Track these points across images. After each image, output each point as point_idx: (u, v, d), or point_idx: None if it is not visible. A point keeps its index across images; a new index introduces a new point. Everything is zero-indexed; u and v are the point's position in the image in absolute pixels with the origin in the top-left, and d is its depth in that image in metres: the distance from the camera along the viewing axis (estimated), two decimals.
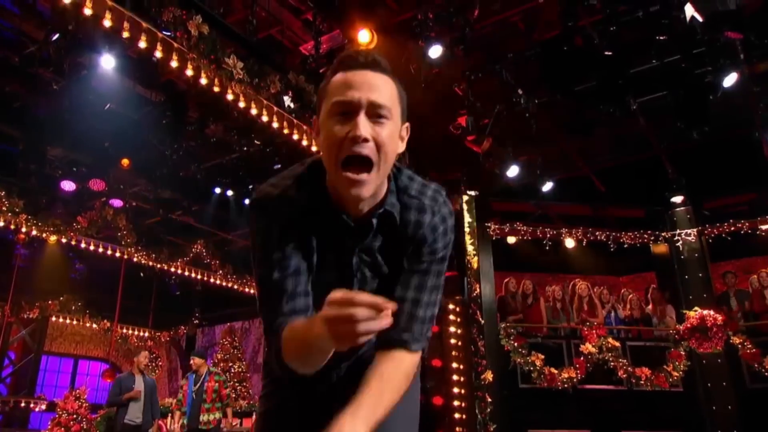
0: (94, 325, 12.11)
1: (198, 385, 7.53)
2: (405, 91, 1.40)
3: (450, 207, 1.52)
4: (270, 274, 1.39)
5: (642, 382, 8.91)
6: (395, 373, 1.44)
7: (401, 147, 1.39)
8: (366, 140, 1.25)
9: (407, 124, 1.41)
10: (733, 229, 9.82)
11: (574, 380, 8.86)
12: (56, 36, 6.31)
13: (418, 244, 1.45)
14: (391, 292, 1.46)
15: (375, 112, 1.28)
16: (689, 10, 5.74)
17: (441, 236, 1.48)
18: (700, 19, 5.64)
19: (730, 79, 6.89)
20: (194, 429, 7.40)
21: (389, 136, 1.30)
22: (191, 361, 7.84)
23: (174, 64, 5.19)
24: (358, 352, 1.54)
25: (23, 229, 8.75)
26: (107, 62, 6.23)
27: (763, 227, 9.67)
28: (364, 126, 1.26)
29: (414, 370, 1.53)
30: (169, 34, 5.03)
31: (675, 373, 9.05)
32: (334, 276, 1.43)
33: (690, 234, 10.03)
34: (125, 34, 4.77)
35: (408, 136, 1.42)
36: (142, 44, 4.91)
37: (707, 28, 5.82)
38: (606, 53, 6.87)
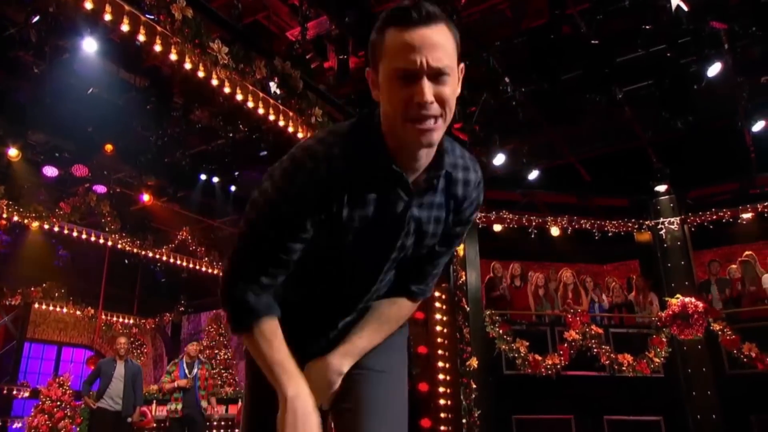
0: (78, 312, 12.01)
1: (194, 371, 7.54)
2: (458, 35, 1.34)
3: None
4: (277, 236, 1.38)
5: (624, 368, 9.02)
6: (394, 316, 1.60)
7: (458, 90, 1.35)
8: (432, 102, 1.25)
9: (462, 65, 1.37)
10: (715, 218, 9.95)
11: (558, 367, 8.95)
12: (36, 18, 6.18)
13: (463, 203, 1.51)
14: (423, 248, 1.51)
15: (438, 73, 1.25)
16: (675, 0, 5.76)
17: (481, 193, 1.55)
18: (685, 8, 5.68)
19: (714, 69, 6.93)
20: (195, 414, 7.40)
21: (452, 91, 1.29)
22: (190, 347, 7.82)
23: (158, 48, 5.11)
24: (357, 308, 1.57)
25: (5, 215, 8.63)
26: (89, 46, 6.11)
27: (745, 216, 9.79)
28: (428, 90, 1.24)
29: (410, 314, 1.68)
30: (152, 17, 4.95)
31: (656, 360, 9.16)
32: (380, 227, 1.42)
33: (673, 222, 10.13)
34: (107, 17, 4.68)
35: (463, 75, 1.38)
36: (125, 27, 4.82)
37: (692, 18, 5.84)
38: (592, 42, 6.88)
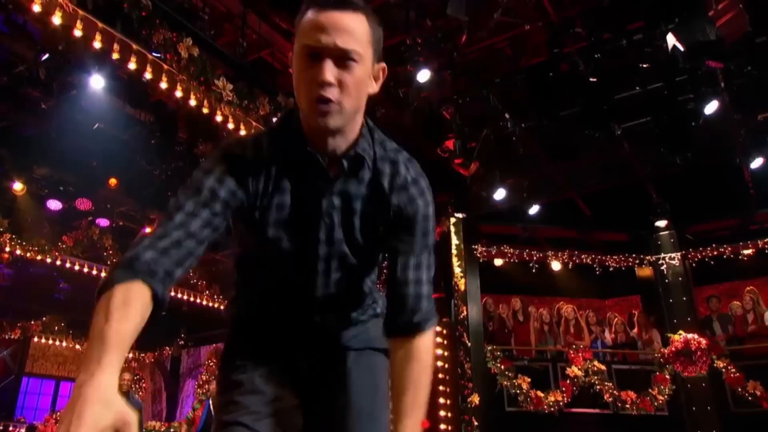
0: (77, 346, 11.92)
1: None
2: (380, 30, 1.36)
3: (422, 171, 1.49)
4: (186, 197, 1.31)
5: (627, 405, 8.89)
6: (423, 370, 1.49)
7: (374, 87, 1.36)
8: (330, 84, 1.25)
9: (383, 65, 1.38)
10: (715, 253, 9.92)
11: (561, 403, 8.83)
12: (46, 56, 6.30)
13: (394, 200, 1.43)
14: (357, 245, 1.44)
15: (343, 56, 1.26)
16: (671, 40, 5.86)
17: (423, 192, 1.46)
18: (681, 48, 5.76)
19: (711, 107, 7.01)
20: None
21: (357, 80, 1.28)
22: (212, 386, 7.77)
23: (164, 85, 5.21)
24: (318, 299, 1.49)
25: (7, 249, 8.64)
26: (97, 82, 6.21)
27: (745, 252, 9.77)
28: (329, 70, 1.24)
29: (433, 346, 1.56)
30: (159, 55, 5.05)
31: (660, 397, 9.04)
32: (300, 216, 1.39)
33: (674, 258, 10.10)
34: (115, 56, 4.78)
35: (384, 77, 1.39)
36: (132, 65, 4.93)
37: (689, 57, 5.93)
38: (591, 79, 6.97)
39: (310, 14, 1.28)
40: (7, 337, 10.87)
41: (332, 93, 1.25)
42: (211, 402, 7.56)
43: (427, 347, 1.51)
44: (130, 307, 1.09)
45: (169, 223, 1.25)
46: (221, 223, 1.33)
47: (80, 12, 4.40)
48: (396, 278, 1.47)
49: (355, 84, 1.28)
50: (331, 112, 1.26)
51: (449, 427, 8.30)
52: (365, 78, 1.31)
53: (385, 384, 1.57)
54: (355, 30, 1.27)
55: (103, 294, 1.10)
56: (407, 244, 1.46)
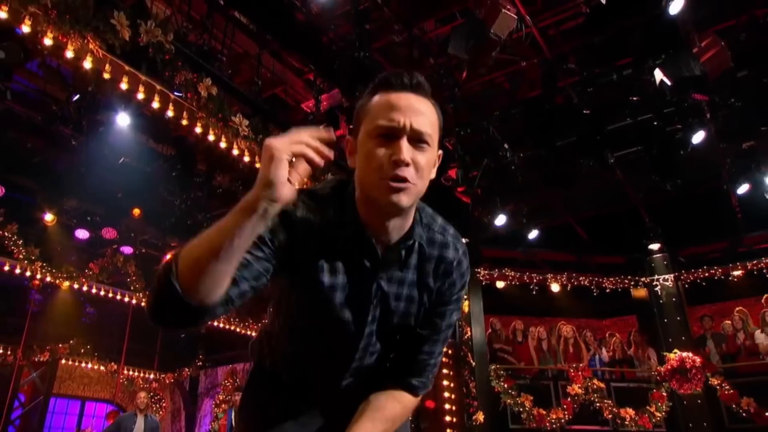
0: (102, 368, 11.91)
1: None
2: (442, 119, 1.31)
3: (466, 248, 1.45)
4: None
5: (627, 422, 8.77)
6: (400, 413, 1.43)
7: (433, 173, 1.30)
8: (407, 165, 1.18)
9: (441, 152, 1.32)
10: (707, 275, 9.90)
11: (562, 421, 8.72)
12: (77, 96, 6.43)
13: (439, 282, 1.38)
14: (398, 326, 1.39)
15: (417, 138, 1.21)
16: (659, 75, 5.93)
17: (464, 273, 1.42)
18: (668, 82, 5.82)
19: (698, 136, 7.05)
20: None
21: (428, 162, 1.23)
22: (235, 397, 7.71)
23: (184, 122, 5.28)
24: (349, 370, 1.43)
25: (38, 276, 8.71)
26: (123, 120, 6.33)
27: (735, 273, 9.72)
28: (407, 150, 1.19)
29: (412, 410, 1.51)
30: (180, 95, 5.14)
31: (658, 414, 8.92)
32: (351, 298, 1.32)
33: (667, 279, 10.07)
34: (140, 96, 4.87)
35: (439, 163, 1.33)
36: (156, 104, 5.01)
37: (675, 90, 5.99)
38: (584, 111, 7.04)
39: (383, 96, 1.24)
40: (36, 359, 10.88)
41: (408, 173, 1.19)
42: (233, 413, 7.51)
43: (410, 403, 1.46)
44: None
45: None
46: (269, 271, 1.24)
47: (109, 56, 4.50)
48: (412, 346, 1.44)
49: (426, 167, 1.22)
50: (406, 189, 1.19)
51: None
52: (432, 163, 1.26)
53: None
54: (427, 113, 1.24)
55: (175, 261, 1.08)
56: (433, 331, 1.43)
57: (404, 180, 1.18)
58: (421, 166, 1.20)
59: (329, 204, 1.31)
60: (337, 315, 1.33)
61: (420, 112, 1.22)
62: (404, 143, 1.19)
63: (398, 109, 1.21)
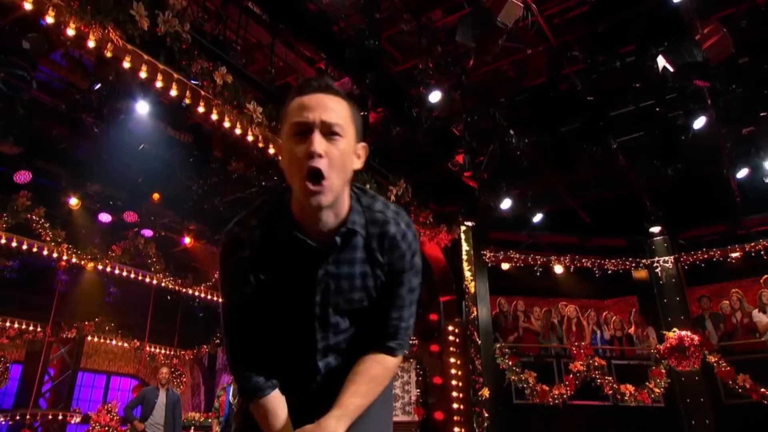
0: (125, 344, 12.08)
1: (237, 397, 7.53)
2: (359, 114, 1.40)
3: (409, 220, 1.50)
4: (230, 313, 1.45)
5: (626, 398, 8.79)
6: (381, 373, 1.49)
7: (358, 164, 1.38)
8: (320, 155, 1.26)
9: (364, 144, 1.40)
10: (706, 257, 9.84)
11: (564, 396, 8.75)
12: (98, 85, 6.45)
13: (387, 255, 1.44)
14: (361, 307, 1.46)
15: (328, 130, 1.28)
16: (661, 61, 5.85)
17: (411, 243, 1.46)
18: (671, 69, 5.74)
19: (699, 122, 6.97)
20: None
21: (343, 152, 1.30)
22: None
23: (201, 109, 5.29)
24: (318, 352, 1.51)
25: (64, 257, 8.81)
26: (142, 108, 6.35)
27: (733, 255, 9.66)
28: (318, 142, 1.26)
29: (396, 370, 1.57)
30: (197, 83, 5.14)
31: (656, 390, 8.93)
32: (298, 286, 1.41)
33: (667, 261, 10.02)
34: (159, 84, 4.87)
35: (366, 155, 1.41)
36: (173, 92, 5.02)
37: (677, 77, 5.91)
38: (588, 98, 6.97)
39: (297, 100, 1.33)
40: (64, 336, 11.05)
41: (322, 164, 1.26)
42: (230, 390, 7.59)
43: (392, 364, 1.52)
44: (279, 406, 1.45)
45: (237, 345, 1.48)
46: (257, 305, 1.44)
47: (129, 46, 4.50)
48: (382, 314, 1.49)
49: (340, 156, 1.29)
50: (322, 191, 1.27)
51: (461, 419, 8.27)
52: (349, 152, 1.33)
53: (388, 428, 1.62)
54: (338, 109, 1.32)
55: (255, 402, 1.46)
56: (396, 297, 1.48)
57: (319, 178, 1.25)
58: (335, 156, 1.28)
59: (267, 214, 1.42)
60: (286, 302, 1.43)
61: (329, 108, 1.30)
62: (316, 136, 1.27)
63: (308, 107, 1.30)
